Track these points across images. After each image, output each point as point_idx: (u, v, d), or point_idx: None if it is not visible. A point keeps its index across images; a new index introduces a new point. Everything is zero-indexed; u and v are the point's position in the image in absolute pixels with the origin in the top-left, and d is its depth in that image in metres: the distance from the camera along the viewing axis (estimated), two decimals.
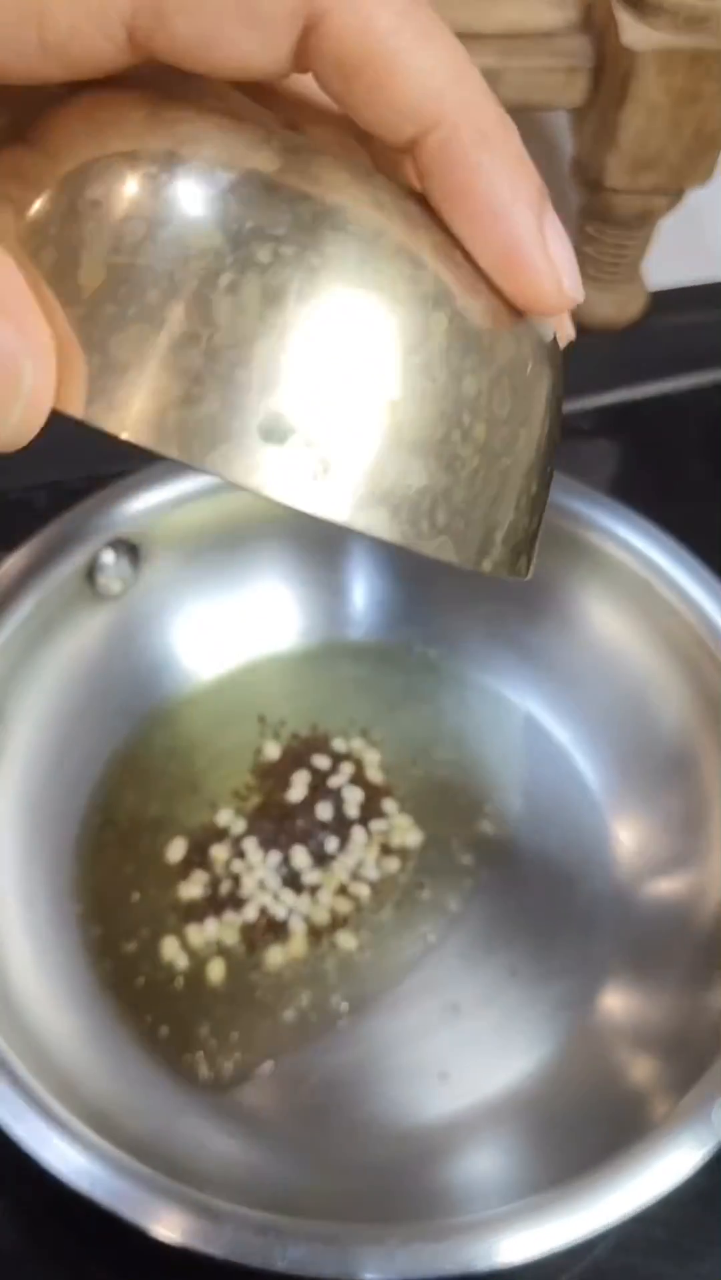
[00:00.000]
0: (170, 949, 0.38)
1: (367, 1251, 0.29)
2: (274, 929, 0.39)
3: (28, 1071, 0.31)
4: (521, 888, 0.40)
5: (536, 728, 0.43)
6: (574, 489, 0.42)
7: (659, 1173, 0.30)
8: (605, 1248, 0.35)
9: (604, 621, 0.42)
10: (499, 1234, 0.30)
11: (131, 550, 0.41)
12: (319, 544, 0.44)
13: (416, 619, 0.45)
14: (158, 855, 0.40)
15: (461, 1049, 0.37)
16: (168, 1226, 0.29)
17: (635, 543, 0.41)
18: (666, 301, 0.57)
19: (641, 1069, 0.35)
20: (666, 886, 0.39)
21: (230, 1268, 0.29)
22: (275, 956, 0.38)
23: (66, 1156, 0.30)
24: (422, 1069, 0.37)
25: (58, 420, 0.17)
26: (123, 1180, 0.30)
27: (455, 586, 0.44)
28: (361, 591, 0.45)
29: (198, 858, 0.40)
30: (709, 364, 0.56)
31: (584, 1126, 0.34)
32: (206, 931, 0.39)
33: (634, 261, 0.54)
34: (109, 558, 0.40)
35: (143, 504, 0.40)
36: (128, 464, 0.49)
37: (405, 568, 0.44)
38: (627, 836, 0.41)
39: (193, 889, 0.39)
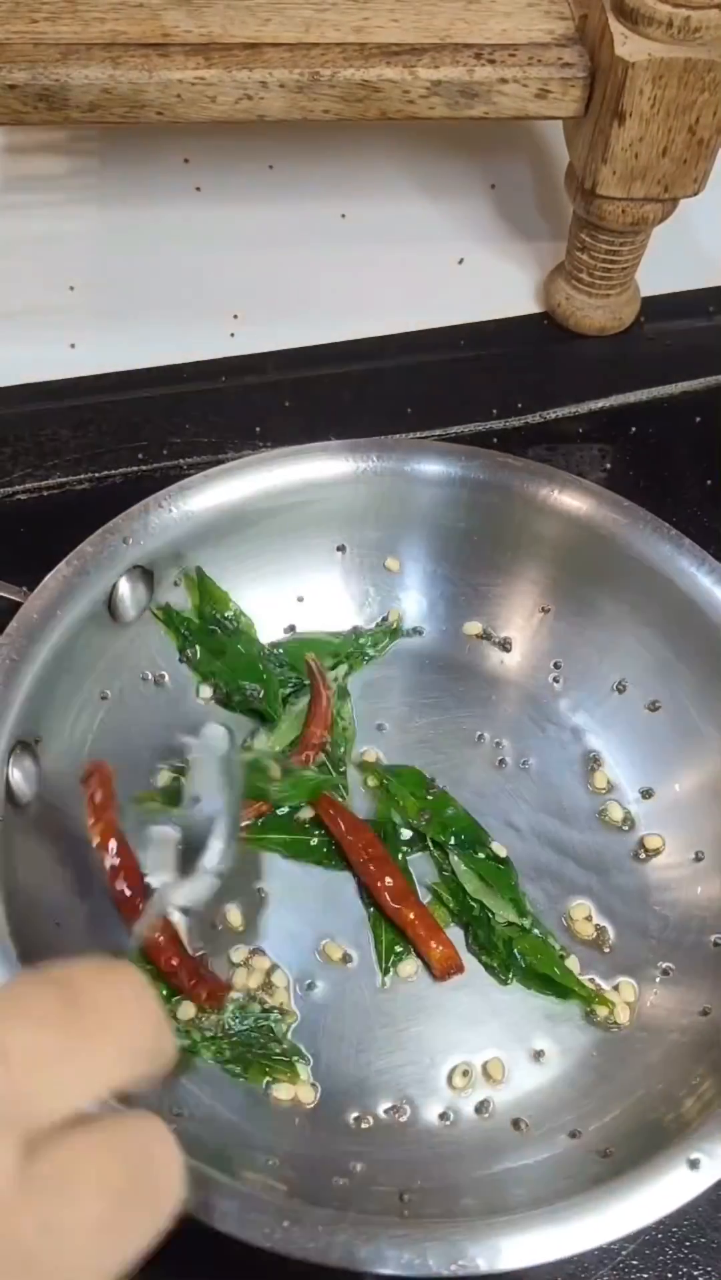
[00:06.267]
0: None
1: (389, 1245, 0.29)
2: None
3: None
4: (549, 893, 0.41)
5: (561, 723, 0.44)
6: (594, 492, 0.43)
7: (691, 1178, 0.31)
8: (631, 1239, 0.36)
9: (631, 623, 0.43)
10: (521, 1235, 0.30)
11: (146, 576, 0.41)
12: (320, 549, 0.45)
13: (442, 625, 0.46)
14: None
15: (487, 1053, 0.38)
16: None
17: (657, 544, 0.42)
18: (659, 307, 0.58)
19: (670, 1071, 0.36)
20: (690, 892, 0.40)
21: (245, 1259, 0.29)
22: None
23: None
24: (447, 1072, 0.37)
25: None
26: None
27: (474, 596, 0.45)
28: (371, 601, 0.46)
29: None
30: (700, 368, 0.56)
31: (613, 1128, 0.35)
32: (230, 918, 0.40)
33: (628, 269, 0.55)
34: (125, 587, 0.40)
35: (154, 530, 0.41)
36: (131, 466, 0.49)
37: (413, 579, 0.46)
38: (654, 840, 0.41)
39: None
